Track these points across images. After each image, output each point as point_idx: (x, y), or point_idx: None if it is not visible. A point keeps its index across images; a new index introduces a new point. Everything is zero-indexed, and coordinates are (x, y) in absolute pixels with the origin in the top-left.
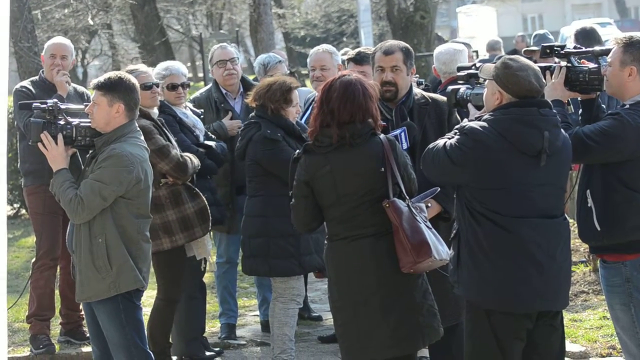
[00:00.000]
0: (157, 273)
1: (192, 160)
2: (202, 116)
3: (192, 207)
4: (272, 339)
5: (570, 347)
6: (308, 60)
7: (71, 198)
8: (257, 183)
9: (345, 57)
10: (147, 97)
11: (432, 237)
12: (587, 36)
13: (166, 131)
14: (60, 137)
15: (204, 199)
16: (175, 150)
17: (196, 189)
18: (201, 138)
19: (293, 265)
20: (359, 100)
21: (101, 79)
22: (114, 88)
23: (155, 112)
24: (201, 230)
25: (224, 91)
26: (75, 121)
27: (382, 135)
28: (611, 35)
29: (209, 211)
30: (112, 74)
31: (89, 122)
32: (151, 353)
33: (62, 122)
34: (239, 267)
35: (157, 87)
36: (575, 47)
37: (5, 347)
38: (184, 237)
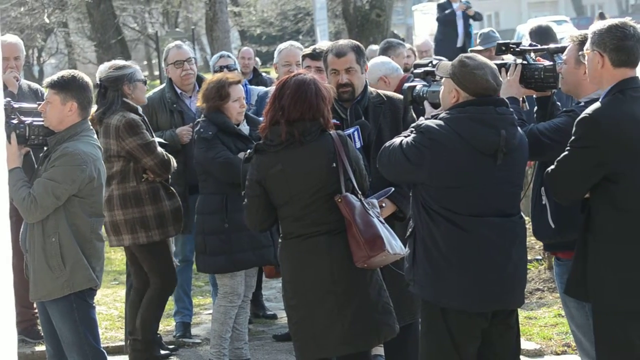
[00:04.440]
0: (148, 265)
1: (172, 159)
2: None
3: (169, 206)
4: None
5: (525, 344)
6: (279, 56)
7: (24, 197)
8: (200, 181)
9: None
10: (144, 93)
11: (385, 231)
12: (542, 34)
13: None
14: (13, 136)
15: (179, 199)
16: (160, 148)
17: (172, 188)
18: None
19: (224, 262)
20: (311, 100)
21: (54, 77)
22: (67, 86)
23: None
24: (174, 229)
25: (178, 91)
26: (28, 120)
27: (332, 131)
28: (567, 33)
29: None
30: (66, 72)
31: (42, 121)
32: (104, 351)
33: (15, 121)
34: (194, 266)
35: None
36: (530, 45)
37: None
38: (159, 234)
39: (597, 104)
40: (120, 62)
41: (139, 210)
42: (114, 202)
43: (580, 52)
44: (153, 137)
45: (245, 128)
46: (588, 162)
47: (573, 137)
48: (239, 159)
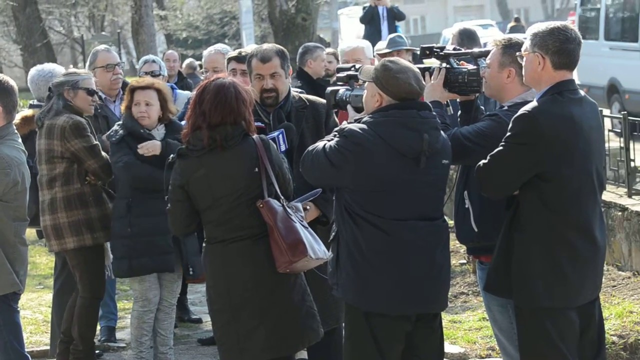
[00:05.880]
0: (80, 270)
1: None
2: None
3: (111, 208)
4: None
5: (449, 348)
6: (202, 61)
7: None
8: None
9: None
10: (88, 102)
11: (307, 236)
12: (471, 36)
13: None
14: None
15: None
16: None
17: (111, 191)
18: None
19: (126, 267)
20: (231, 104)
21: None
22: None
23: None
24: None
25: (102, 95)
26: None
27: (255, 136)
28: (493, 37)
29: None
30: None
31: None
32: (29, 356)
33: None
34: None
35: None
36: (454, 49)
37: None
38: (104, 236)
39: (534, 103)
40: (74, 69)
41: (84, 212)
42: (57, 205)
43: (518, 53)
44: (97, 140)
45: (159, 132)
46: (522, 159)
47: (509, 133)
48: (138, 163)
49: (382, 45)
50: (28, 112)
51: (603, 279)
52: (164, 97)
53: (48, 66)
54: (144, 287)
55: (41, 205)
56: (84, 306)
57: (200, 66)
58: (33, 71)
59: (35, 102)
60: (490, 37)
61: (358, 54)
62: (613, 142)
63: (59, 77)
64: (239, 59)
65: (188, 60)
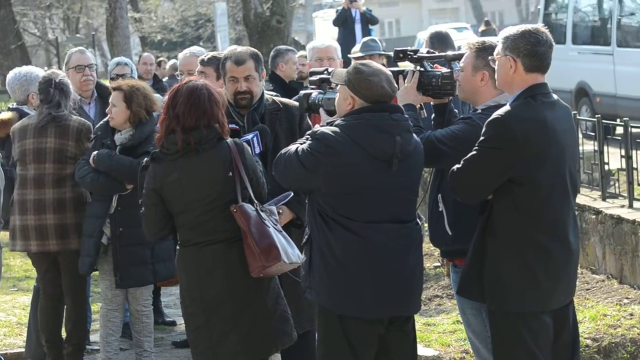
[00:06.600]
0: (73, 273)
1: None
2: None
3: None
4: None
5: (423, 351)
6: (178, 64)
7: None
8: None
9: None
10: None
11: (281, 240)
12: (442, 40)
13: None
14: None
15: None
16: None
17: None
18: None
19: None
20: (204, 106)
21: None
22: None
23: None
24: None
25: (78, 97)
26: None
27: (229, 140)
28: (467, 41)
29: None
30: None
31: None
32: (2, 358)
33: None
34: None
35: None
36: (428, 52)
37: None
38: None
39: (507, 107)
40: (60, 71)
41: (83, 215)
42: (66, 204)
43: (490, 57)
44: None
45: (121, 137)
46: (495, 164)
47: (482, 138)
48: (80, 165)
49: (356, 49)
50: (5, 115)
51: (577, 282)
52: (130, 98)
53: (24, 69)
54: (103, 286)
55: (37, 203)
56: (81, 306)
57: None
58: (11, 74)
59: (14, 105)
60: (465, 40)
61: (331, 52)
62: (587, 146)
63: (61, 77)
64: (204, 62)
65: (172, 62)
